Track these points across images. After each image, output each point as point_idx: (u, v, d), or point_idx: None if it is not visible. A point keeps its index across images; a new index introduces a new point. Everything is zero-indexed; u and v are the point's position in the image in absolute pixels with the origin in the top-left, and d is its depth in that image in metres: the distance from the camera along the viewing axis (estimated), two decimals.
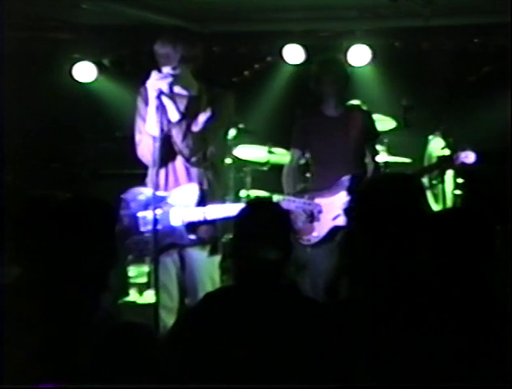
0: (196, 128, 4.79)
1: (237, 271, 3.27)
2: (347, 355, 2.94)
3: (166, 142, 4.71)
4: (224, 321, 3.15)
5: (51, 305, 1.98)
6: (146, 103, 4.76)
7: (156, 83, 4.63)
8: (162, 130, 4.64)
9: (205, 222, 4.71)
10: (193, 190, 4.76)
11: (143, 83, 4.75)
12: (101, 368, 1.95)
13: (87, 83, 8.08)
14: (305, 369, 3.05)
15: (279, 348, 3.08)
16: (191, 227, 4.74)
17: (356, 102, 6.68)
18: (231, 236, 3.61)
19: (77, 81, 8.02)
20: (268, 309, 3.16)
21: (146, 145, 4.74)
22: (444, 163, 6.08)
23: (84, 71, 7.99)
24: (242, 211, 3.39)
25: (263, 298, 3.18)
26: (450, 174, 6.93)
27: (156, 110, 4.65)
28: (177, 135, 4.74)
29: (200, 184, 4.77)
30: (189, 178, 4.80)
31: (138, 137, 4.84)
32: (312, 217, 5.66)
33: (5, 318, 1.94)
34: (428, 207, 3.45)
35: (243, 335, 3.11)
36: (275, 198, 5.29)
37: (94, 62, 8.01)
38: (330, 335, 3.07)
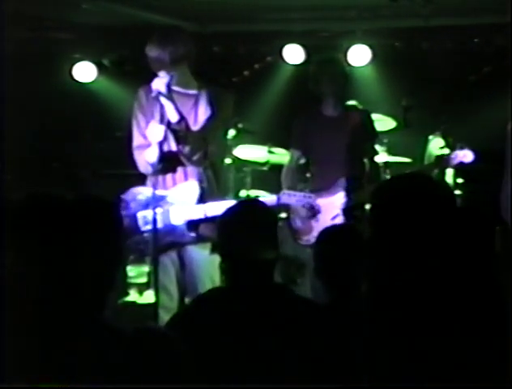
0: (196, 127, 4.80)
1: (228, 272, 3.26)
2: (344, 354, 2.93)
3: (166, 142, 4.73)
4: (217, 322, 3.14)
5: (58, 306, 1.98)
6: (144, 105, 4.80)
7: (154, 84, 4.66)
8: (163, 131, 4.66)
9: (206, 219, 4.71)
10: (192, 188, 4.77)
11: (141, 85, 4.78)
12: (108, 369, 1.95)
13: (87, 83, 8.07)
14: (299, 369, 3.05)
15: (273, 348, 3.07)
16: (192, 225, 4.75)
17: (353, 103, 6.67)
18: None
19: (77, 81, 8.02)
20: (261, 309, 3.15)
21: (150, 149, 4.76)
22: (442, 162, 6.07)
23: (84, 71, 7.99)
24: (230, 212, 3.36)
25: (256, 299, 3.17)
26: (449, 174, 6.92)
27: (156, 112, 4.67)
28: (177, 135, 4.75)
29: (200, 182, 4.77)
30: (187, 177, 4.81)
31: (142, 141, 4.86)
32: (313, 212, 5.64)
33: (8, 319, 1.94)
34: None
35: (236, 336, 3.10)
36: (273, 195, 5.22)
37: (94, 62, 8.00)
38: (324, 334, 3.07)
